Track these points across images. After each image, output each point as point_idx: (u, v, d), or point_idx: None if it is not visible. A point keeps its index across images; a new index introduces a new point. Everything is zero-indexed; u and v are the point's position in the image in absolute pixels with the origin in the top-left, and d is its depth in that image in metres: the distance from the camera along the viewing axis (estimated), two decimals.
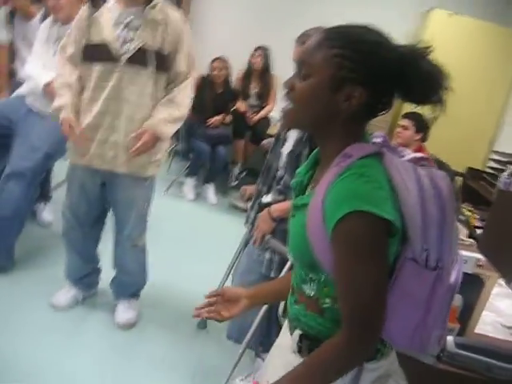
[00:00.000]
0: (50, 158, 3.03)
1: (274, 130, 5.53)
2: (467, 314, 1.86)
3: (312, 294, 1.19)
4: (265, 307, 2.31)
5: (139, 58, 2.36)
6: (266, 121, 5.50)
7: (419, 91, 1.11)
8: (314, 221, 1.09)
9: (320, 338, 1.17)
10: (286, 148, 2.29)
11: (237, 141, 5.41)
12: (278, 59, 5.44)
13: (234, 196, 5.28)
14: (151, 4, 2.38)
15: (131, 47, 2.35)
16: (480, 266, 1.84)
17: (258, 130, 5.41)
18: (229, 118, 5.37)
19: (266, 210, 2.28)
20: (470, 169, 4.97)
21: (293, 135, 2.27)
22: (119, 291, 2.87)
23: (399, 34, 5.33)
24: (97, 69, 2.38)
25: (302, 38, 2.25)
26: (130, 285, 2.86)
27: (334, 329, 1.14)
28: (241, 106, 5.43)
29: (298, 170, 1.32)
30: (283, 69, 5.37)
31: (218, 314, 1.44)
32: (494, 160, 4.82)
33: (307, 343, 1.21)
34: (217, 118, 5.13)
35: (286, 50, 5.49)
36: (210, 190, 5.21)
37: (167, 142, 2.63)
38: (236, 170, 5.40)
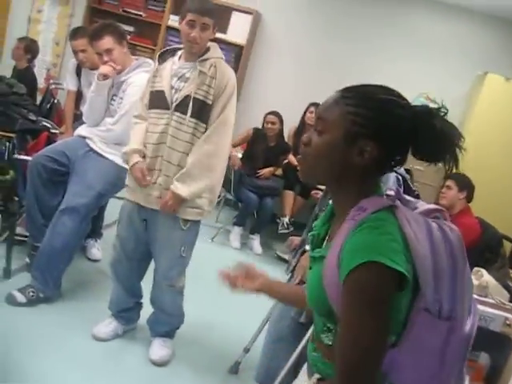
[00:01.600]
0: (103, 196, 3.20)
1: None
2: (495, 375, 1.82)
3: (330, 343, 1.21)
4: (296, 355, 2.32)
5: (183, 106, 2.54)
6: None
7: (431, 149, 1.15)
8: (330, 272, 1.13)
9: None
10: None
11: (286, 193, 5.49)
12: None
13: (279, 248, 5.35)
14: (201, 58, 2.58)
15: (179, 96, 2.55)
16: (509, 325, 1.81)
17: (308, 184, 5.48)
18: (279, 171, 5.50)
19: (306, 257, 2.34)
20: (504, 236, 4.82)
21: None
22: (154, 328, 2.95)
23: (454, 95, 5.41)
24: (153, 115, 2.62)
25: None
26: (164, 323, 2.93)
27: None
28: (293, 160, 5.55)
29: (315, 223, 1.36)
30: None
31: (235, 282, 1.56)
32: None
33: None
34: (268, 170, 5.26)
35: None
36: (256, 241, 5.29)
37: (211, 191, 2.70)
38: (285, 220, 5.45)
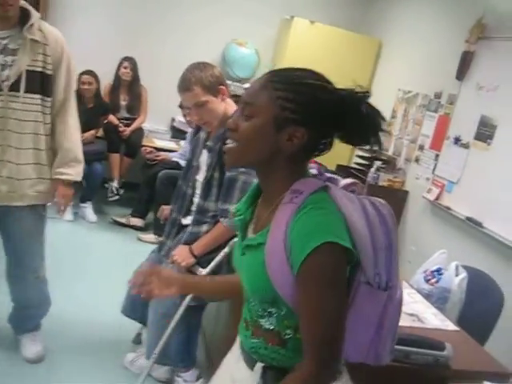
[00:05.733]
0: None
1: (148, 141, 5.47)
2: None
3: (272, 327, 1.21)
4: (174, 323, 2.31)
5: (22, 82, 2.22)
6: (139, 132, 5.42)
7: (358, 133, 1.18)
8: (274, 258, 1.12)
9: (284, 367, 1.20)
10: (201, 176, 2.34)
11: (111, 155, 5.25)
12: (144, 70, 5.39)
13: (114, 212, 5.15)
14: (28, 24, 2.22)
15: (12, 73, 2.20)
16: None
17: (133, 143, 5.31)
18: (100, 133, 5.22)
19: (185, 247, 2.31)
20: (339, 166, 5.29)
21: (205, 162, 2.33)
22: (21, 326, 2.71)
23: (263, 39, 5.57)
24: None
25: (183, 85, 2.28)
26: (33, 317, 2.72)
27: (296, 358, 1.17)
28: (113, 119, 5.28)
29: (237, 207, 1.34)
30: (150, 79, 5.35)
31: (150, 291, 1.46)
32: (360, 156, 5.18)
33: (272, 374, 1.23)
34: (90, 133, 4.92)
35: (151, 60, 5.48)
36: (88, 209, 5.01)
37: None
38: (114, 185, 5.24)
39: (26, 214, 2.42)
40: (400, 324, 2.06)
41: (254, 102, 1.16)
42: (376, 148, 1.19)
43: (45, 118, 2.33)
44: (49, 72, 2.30)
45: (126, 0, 5.55)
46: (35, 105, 2.28)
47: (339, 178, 1.31)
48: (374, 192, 4.64)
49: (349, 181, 1.29)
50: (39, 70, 2.27)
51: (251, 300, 1.27)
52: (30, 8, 2.31)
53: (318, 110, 1.14)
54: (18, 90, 2.23)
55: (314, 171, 1.27)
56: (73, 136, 2.43)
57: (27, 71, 2.23)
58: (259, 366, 1.25)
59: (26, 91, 2.24)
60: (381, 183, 4.66)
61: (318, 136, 1.18)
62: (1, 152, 2.28)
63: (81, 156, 2.47)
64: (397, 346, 1.83)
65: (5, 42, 2.22)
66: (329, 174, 1.30)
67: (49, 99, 2.33)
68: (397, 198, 4.60)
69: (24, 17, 2.25)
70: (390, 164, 4.81)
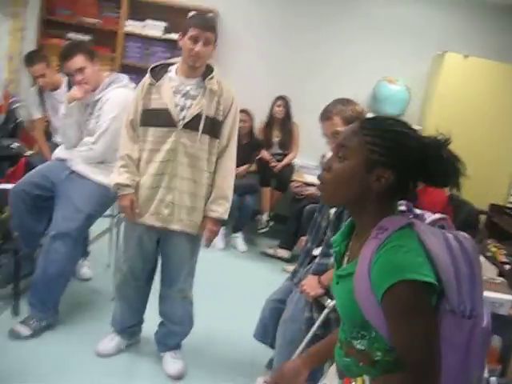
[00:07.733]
0: (92, 218, 3.18)
1: (298, 176, 5.68)
2: (507, 355, 1.93)
3: (363, 348, 1.32)
4: (300, 349, 2.39)
5: (195, 124, 2.59)
6: (290, 168, 5.66)
7: (440, 176, 1.30)
8: (361, 288, 1.25)
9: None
10: (333, 209, 2.45)
11: (263, 189, 5.55)
12: (295, 107, 5.64)
13: (263, 243, 5.41)
14: (210, 76, 2.64)
15: (188, 114, 2.59)
16: None
17: (283, 177, 5.56)
18: (253, 168, 5.54)
19: (315, 278, 2.42)
20: (493, 205, 5.02)
21: None
22: (166, 342, 2.99)
23: (414, 76, 5.50)
24: (153, 133, 2.62)
25: (324, 114, 2.46)
26: (176, 335, 2.98)
27: None
28: (265, 155, 5.60)
29: (334, 239, 1.49)
30: (300, 116, 5.57)
31: None
32: None
33: None
34: (243, 168, 5.28)
35: (303, 99, 5.69)
36: (239, 239, 5.32)
37: None
38: (264, 218, 5.51)
39: (183, 240, 2.73)
40: None
41: (347, 146, 1.32)
42: (455, 191, 1.30)
43: (210, 156, 2.67)
44: (219, 118, 2.66)
45: (276, 42, 5.92)
46: (203, 144, 2.63)
47: (427, 213, 1.41)
48: None
49: (438, 216, 1.39)
50: (211, 115, 2.63)
51: (345, 322, 1.40)
52: (214, 65, 2.75)
53: (401, 154, 1.28)
54: (190, 129, 2.60)
55: (403, 208, 1.39)
56: (227, 177, 2.74)
57: (200, 115, 2.60)
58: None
59: (196, 130, 2.60)
60: None
61: (404, 177, 1.30)
62: (169, 180, 2.63)
63: (230, 196, 2.75)
64: None
65: (188, 88, 2.64)
66: (418, 211, 1.41)
67: (216, 140, 2.67)
68: None
69: (207, 71, 2.69)
70: None
